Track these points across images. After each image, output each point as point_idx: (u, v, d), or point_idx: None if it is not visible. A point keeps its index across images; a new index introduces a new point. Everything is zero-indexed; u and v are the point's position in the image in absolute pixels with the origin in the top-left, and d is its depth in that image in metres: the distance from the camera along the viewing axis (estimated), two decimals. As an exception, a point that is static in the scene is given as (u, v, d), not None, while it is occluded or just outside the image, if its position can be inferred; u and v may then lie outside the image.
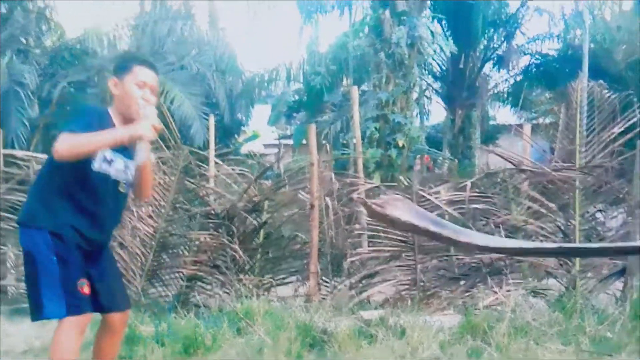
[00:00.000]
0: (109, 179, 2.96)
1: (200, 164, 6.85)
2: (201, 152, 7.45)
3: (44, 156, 6.43)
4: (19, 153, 6.26)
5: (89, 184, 2.90)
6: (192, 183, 6.39)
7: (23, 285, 5.86)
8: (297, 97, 18.69)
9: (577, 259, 5.78)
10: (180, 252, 6.32)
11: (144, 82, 3.00)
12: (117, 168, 2.98)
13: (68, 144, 2.68)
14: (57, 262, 2.80)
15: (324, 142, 14.59)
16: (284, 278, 6.33)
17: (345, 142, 14.94)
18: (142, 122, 2.84)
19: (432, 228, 1.90)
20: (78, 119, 2.88)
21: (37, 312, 2.85)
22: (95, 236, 2.97)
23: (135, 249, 6.02)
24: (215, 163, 7.20)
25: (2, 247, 6.02)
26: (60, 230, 2.84)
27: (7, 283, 6.00)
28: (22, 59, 12.06)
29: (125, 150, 2.98)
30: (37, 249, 2.83)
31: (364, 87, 13.58)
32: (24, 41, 13.85)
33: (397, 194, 6.20)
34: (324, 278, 6.15)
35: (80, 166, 2.82)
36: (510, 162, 6.40)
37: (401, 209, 1.91)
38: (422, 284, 5.77)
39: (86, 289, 2.86)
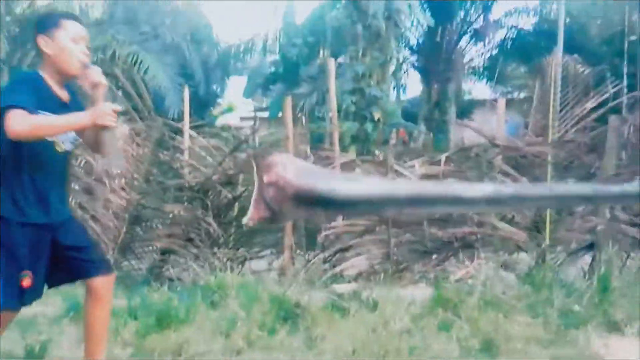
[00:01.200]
0: (45, 142, 2.79)
1: (175, 135, 6.77)
2: (175, 123, 7.37)
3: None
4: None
5: (25, 152, 2.76)
6: (166, 155, 6.33)
7: None
8: (273, 69, 18.53)
9: (547, 233, 5.88)
10: (154, 226, 6.29)
11: (78, 35, 2.86)
12: (61, 135, 2.86)
13: (28, 125, 2.57)
14: (1, 251, 2.73)
15: (299, 114, 14.53)
16: (258, 252, 6.34)
17: (321, 115, 14.89)
18: (101, 106, 2.72)
19: (319, 186, 1.72)
20: (17, 89, 2.70)
21: None
22: (44, 207, 2.83)
23: (107, 222, 5.97)
24: (190, 135, 7.12)
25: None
26: (7, 217, 2.74)
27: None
28: (-8, 28, 11.77)
29: (63, 107, 2.85)
30: None
31: (340, 59, 13.49)
32: (-6, 10, 13.50)
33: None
34: (298, 252, 6.17)
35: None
36: (484, 136, 6.44)
37: (290, 168, 1.73)
38: (395, 257, 5.83)
39: (26, 282, 2.76)
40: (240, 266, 5.95)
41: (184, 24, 15.28)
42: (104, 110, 2.72)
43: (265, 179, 1.62)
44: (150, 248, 6.13)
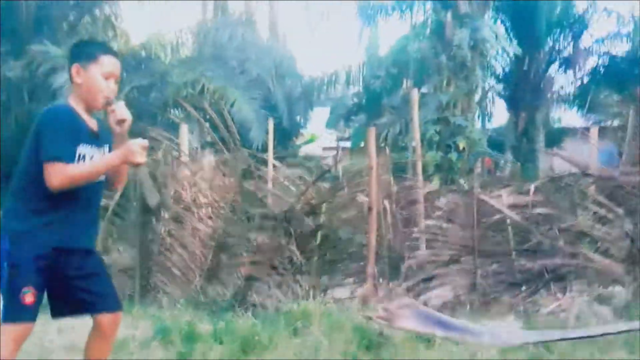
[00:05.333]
0: None
1: (259, 166, 6.92)
2: (260, 154, 7.53)
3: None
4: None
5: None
6: (251, 185, 6.46)
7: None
8: (355, 100, 18.62)
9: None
10: (239, 253, 6.40)
11: (110, 72, 2.90)
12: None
13: (67, 179, 2.69)
14: (7, 269, 2.73)
15: (382, 145, 14.51)
16: (340, 280, 6.31)
17: (403, 144, 14.80)
18: (130, 143, 2.77)
19: (438, 332, 1.81)
20: (56, 137, 2.74)
21: None
22: (63, 232, 2.84)
23: (194, 249, 6.14)
24: (274, 165, 7.26)
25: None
26: (19, 237, 2.76)
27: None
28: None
29: (95, 138, 2.91)
30: None
31: (423, 89, 13.42)
32: (92, 48, 14.32)
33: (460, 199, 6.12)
34: (381, 280, 6.10)
35: None
36: (576, 165, 6.20)
37: (408, 317, 1.81)
38: (481, 288, 5.66)
39: (29, 298, 2.73)
40: (322, 294, 5.94)
41: (268, 58, 15.66)
42: (134, 149, 2.76)
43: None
44: (235, 275, 6.23)
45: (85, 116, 2.91)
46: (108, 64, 2.91)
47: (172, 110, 14.69)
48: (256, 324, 4.81)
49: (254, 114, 13.41)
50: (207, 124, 11.15)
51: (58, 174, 2.68)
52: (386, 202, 6.22)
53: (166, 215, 6.32)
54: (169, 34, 14.53)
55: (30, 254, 2.76)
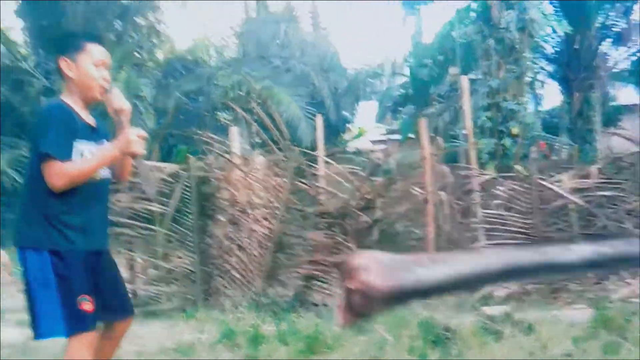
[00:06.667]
0: None
1: (311, 164, 6.90)
2: (310, 152, 7.51)
3: (165, 165, 6.73)
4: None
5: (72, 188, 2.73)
6: (304, 183, 6.44)
7: (152, 288, 6.17)
8: (402, 91, 18.49)
9: None
10: (297, 252, 6.40)
11: (100, 60, 2.81)
12: None
13: (67, 178, 2.63)
14: (56, 281, 2.68)
15: (432, 134, 14.33)
16: (400, 275, 6.23)
17: (454, 133, 14.58)
18: (127, 133, 2.71)
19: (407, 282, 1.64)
20: (50, 133, 2.65)
21: (35, 332, 2.74)
22: (87, 235, 2.79)
23: (252, 251, 6.16)
24: (325, 162, 7.22)
25: (129, 252, 6.33)
26: (56, 247, 2.71)
27: (136, 287, 6.31)
28: (138, 73, 12.72)
29: (93, 133, 2.83)
30: (31, 270, 2.72)
31: (471, 75, 13.17)
32: (139, 56, 14.60)
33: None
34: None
35: None
36: (637, 143, 5.97)
37: (373, 270, 1.64)
38: (547, 277, 5.49)
39: (87, 306, 2.70)
40: (383, 290, 5.87)
41: (312, 54, 15.69)
42: (130, 139, 2.70)
43: (351, 286, 1.53)
44: (294, 274, 6.24)
45: (81, 111, 2.81)
46: (97, 51, 2.81)
47: (220, 112, 14.88)
48: (319, 323, 4.79)
49: (301, 111, 13.44)
50: (256, 125, 11.22)
51: (57, 173, 2.61)
52: (442, 193, 6.11)
53: (222, 218, 6.36)
54: (213, 37, 14.69)
55: (74, 262, 2.72)
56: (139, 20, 14.90)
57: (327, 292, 5.99)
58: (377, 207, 6.28)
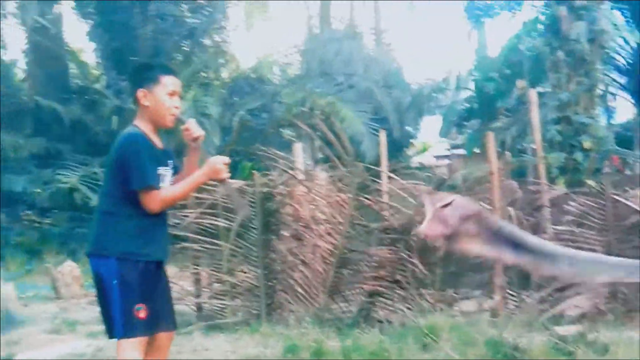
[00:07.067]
0: None
1: (374, 179, 6.85)
2: (374, 167, 7.46)
3: (230, 181, 6.81)
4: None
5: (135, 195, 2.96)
6: (368, 199, 6.39)
7: (217, 302, 6.25)
8: (467, 105, 18.23)
9: None
10: (360, 268, 6.35)
11: (173, 91, 3.04)
12: (166, 181, 3.04)
13: (162, 203, 2.93)
14: (118, 287, 2.89)
15: (499, 149, 14.03)
16: (466, 292, 6.10)
17: (522, 147, 14.23)
18: (214, 161, 2.97)
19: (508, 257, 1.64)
20: (143, 165, 2.89)
21: (109, 332, 2.97)
22: (156, 245, 3.01)
23: (316, 266, 6.14)
24: (389, 177, 7.16)
25: (195, 267, 6.43)
26: (125, 256, 2.92)
27: (202, 300, 6.40)
28: (205, 92, 13.01)
29: (164, 157, 3.06)
30: (101, 275, 2.94)
31: (539, 88, 12.86)
32: (205, 75, 14.96)
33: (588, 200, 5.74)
34: (510, 292, 5.84)
35: None
36: None
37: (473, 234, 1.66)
38: (622, 296, 5.25)
39: (142, 314, 2.91)
40: (449, 307, 5.76)
41: (376, 70, 15.67)
42: (217, 167, 2.97)
43: (442, 203, 1.67)
44: (358, 290, 6.18)
45: (153, 137, 3.05)
46: (170, 83, 3.04)
47: (284, 129, 15.03)
48: (383, 340, 4.73)
49: (364, 127, 13.42)
50: (320, 141, 11.26)
51: (155, 200, 2.90)
52: (510, 209, 5.95)
53: (286, 234, 6.39)
54: (277, 55, 14.88)
55: (136, 271, 2.92)
56: (206, 41, 15.27)
57: (391, 308, 5.91)
58: (442, 223, 6.15)
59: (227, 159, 3.00)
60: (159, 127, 3.08)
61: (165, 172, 3.03)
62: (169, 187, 3.00)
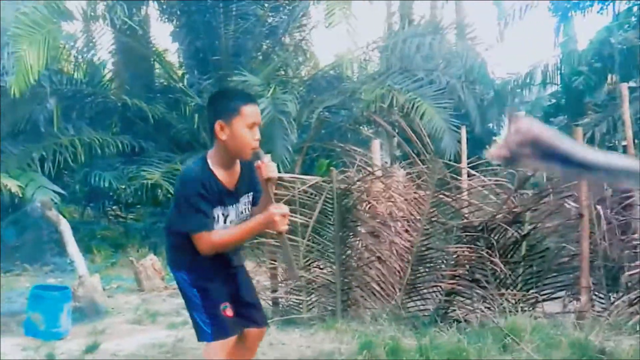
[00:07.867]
0: None
1: (455, 176, 6.70)
2: (454, 164, 7.30)
3: (307, 177, 6.84)
4: (286, 176, 6.70)
5: None
6: (447, 196, 6.26)
7: (293, 297, 6.29)
8: (554, 101, 17.54)
9: None
10: (438, 267, 6.23)
11: (253, 122, 2.85)
12: (228, 221, 2.97)
13: (214, 247, 2.86)
14: (198, 294, 2.95)
15: (588, 145, 13.44)
16: (551, 293, 5.87)
17: (612, 144, 13.58)
18: (272, 212, 2.79)
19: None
20: (196, 211, 2.82)
21: (199, 337, 3.02)
22: (222, 261, 3.02)
23: (393, 264, 6.08)
24: (469, 174, 6.99)
25: (272, 262, 6.48)
26: (194, 267, 2.97)
27: (278, 295, 6.46)
28: (283, 90, 13.13)
29: (230, 197, 2.95)
30: (181, 285, 3.04)
31: (631, 83, 12.21)
32: (284, 73, 15.08)
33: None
34: (597, 293, 5.58)
35: None
36: None
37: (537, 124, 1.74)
38: None
39: (229, 312, 2.95)
40: (531, 308, 5.56)
41: (458, 65, 15.32)
42: (275, 218, 2.78)
43: (513, 125, 1.74)
44: (435, 289, 6.08)
45: (223, 172, 2.91)
46: (250, 114, 2.85)
47: (362, 126, 14.96)
48: (462, 339, 4.62)
49: (444, 123, 13.16)
50: (399, 137, 11.14)
51: (205, 243, 2.84)
52: (599, 208, 5.67)
53: (362, 230, 6.35)
54: (356, 51, 14.80)
55: (210, 274, 2.96)
56: (285, 39, 15.40)
57: (469, 307, 5.77)
58: (526, 222, 5.96)
59: (287, 210, 2.83)
60: (236, 159, 2.94)
61: (225, 212, 2.94)
62: (223, 230, 2.90)
